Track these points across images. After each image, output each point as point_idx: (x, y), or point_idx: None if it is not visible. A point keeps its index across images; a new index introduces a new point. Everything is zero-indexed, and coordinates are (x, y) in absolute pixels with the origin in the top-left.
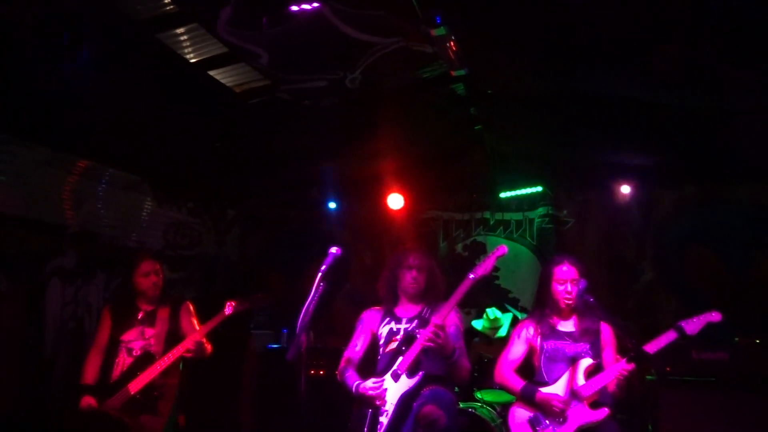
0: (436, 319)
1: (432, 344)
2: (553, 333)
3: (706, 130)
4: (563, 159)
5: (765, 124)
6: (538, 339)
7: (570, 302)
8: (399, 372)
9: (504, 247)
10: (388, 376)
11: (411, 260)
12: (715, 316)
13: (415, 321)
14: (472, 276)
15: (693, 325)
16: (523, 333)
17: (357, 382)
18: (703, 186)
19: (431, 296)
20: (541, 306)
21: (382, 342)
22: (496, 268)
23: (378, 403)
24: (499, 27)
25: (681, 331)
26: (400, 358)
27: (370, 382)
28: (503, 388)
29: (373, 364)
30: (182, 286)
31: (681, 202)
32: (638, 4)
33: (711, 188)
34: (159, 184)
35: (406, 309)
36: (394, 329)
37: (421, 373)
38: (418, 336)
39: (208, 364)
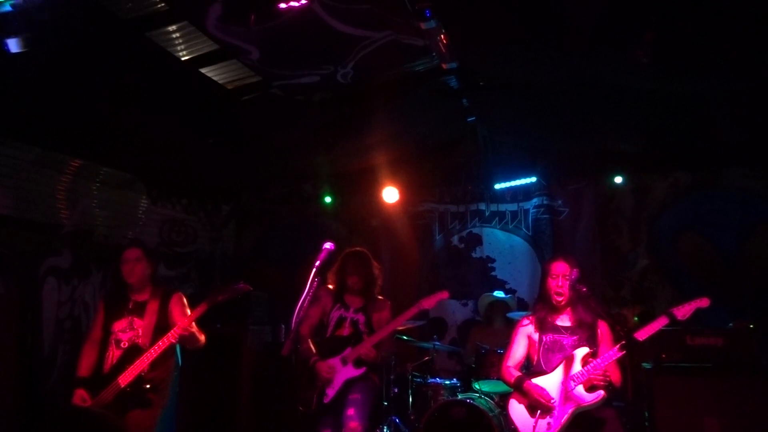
0: (370, 340)
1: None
2: (551, 327)
3: (696, 116)
4: (557, 149)
5: (754, 109)
6: (537, 332)
7: (561, 297)
8: (347, 360)
9: (446, 293)
10: (336, 360)
11: (350, 269)
12: (703, 302)
13: (360, 313)
14: (424, 306)
15: (683, 311)
16: (522, 330)
17: (315, 359)
18: (695, 173)
19: (369, 291)
20: (540, 302)
21: (333, 324)
22: (491, 259)
23: (328, 379)
24: (489, 19)
25: (672, 317)
26: (350, 349)
27: (325, 366)
28: (505, 382)
29: (318, 335)
30: (179, 283)
31: (673, 189)
32: None
33: (703, 175)
34: (153, 182)
35: (353, 299)
36: (344, 316)
37: (365, 368)
38: (363, 339)
39: (206, 359)
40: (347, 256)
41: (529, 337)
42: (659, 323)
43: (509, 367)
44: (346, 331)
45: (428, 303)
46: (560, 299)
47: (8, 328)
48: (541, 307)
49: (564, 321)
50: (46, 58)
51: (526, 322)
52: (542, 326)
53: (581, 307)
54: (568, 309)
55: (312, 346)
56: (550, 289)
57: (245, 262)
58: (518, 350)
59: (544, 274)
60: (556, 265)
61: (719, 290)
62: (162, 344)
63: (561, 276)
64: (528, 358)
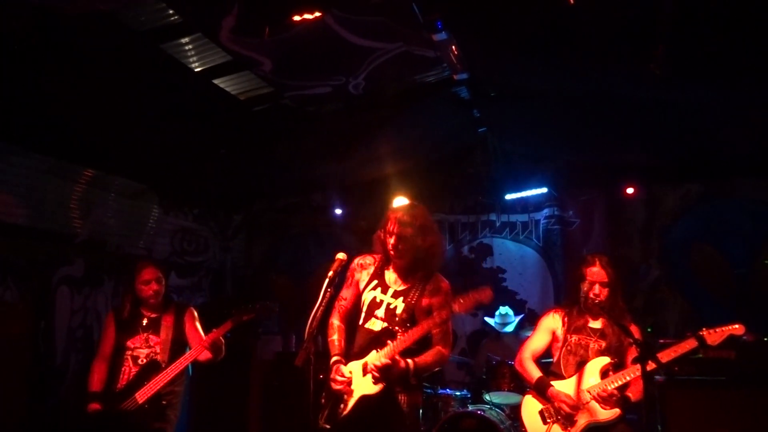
0: (396, 347)
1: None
2: (580, 328)
3: (708, 127)
4: (567, 159)
5: (765, 120)
6: (563, 330)
7: (597, 303)
8: (367, 368)
9: (489, 292)
10: (358, 366)
11: (389, 226)
12: (738, 329)
13: (401, 297)
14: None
15: (714, 337)
16: (549, 322)
17: (335, 359)
18: (707, 184)
19: (419, 265)
20: (572, 302)
21: (364, 309)
22: (502, 270)
23: (342, 390)
24: (500, 30)
25: (702, 341)
26: (375, 351)
27: (341, 373)
28: (520, 375)
29: (352, 326)
30: (190, 293)
31: (685, 200)
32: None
33: (714, 186)
34: (165, 192)
35: (395, 276)
36: (378, 300)
37: (382, 385)
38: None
39: (217, 369)
40: (392, 213)
41: (554, 333)
42: (687, 346)
43: (527, 359)
44: (377, 323)
45: (465, 306)
46: (598, 305)
47: (22, 336)
48: (576, 309)
49: (596, 324)
50: (60, 68)
51: (555, 315)
52: (571, 325)
53: (616, 316)
54: (603, 315)
55: (338, 340)
56: (586, 294)
57: (256, 271)
58: (537, 342)
59: (578, 278)
60: (590, 270)
61: (731, 302)
62: (183, 362)
63: (599, 283)
64: (549, 353)
